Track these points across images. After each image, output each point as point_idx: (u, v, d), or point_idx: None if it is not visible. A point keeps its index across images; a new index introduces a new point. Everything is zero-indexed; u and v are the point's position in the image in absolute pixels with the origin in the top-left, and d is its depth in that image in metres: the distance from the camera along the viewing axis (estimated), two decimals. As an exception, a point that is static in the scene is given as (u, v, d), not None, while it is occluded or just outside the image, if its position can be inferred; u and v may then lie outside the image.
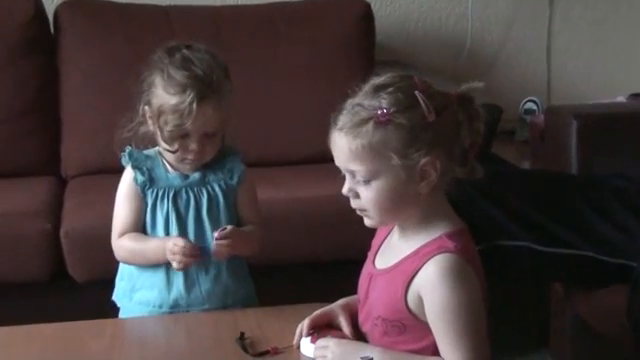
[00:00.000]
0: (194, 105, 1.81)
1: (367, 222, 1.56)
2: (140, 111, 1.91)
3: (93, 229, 2.55)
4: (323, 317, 1.67)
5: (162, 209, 1.91)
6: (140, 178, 1.92)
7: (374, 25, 3.30)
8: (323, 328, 1.66)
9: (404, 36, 3.59)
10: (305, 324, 1.66)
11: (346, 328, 1.65)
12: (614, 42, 3.75)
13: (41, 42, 3.11)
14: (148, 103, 1.89)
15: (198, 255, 1.84)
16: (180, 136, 1.86)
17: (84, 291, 2.62)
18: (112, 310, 2.01)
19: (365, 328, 1.62)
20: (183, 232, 1.91)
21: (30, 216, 2.68)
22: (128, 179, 1.94)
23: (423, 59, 3.54)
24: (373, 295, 1.58)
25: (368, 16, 3.28)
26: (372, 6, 3.32)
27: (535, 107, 3.53)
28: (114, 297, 2.02)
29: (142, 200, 1.92)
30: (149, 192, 1.92)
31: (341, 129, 1.48)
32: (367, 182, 1.49)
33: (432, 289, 1.48)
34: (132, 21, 3.15)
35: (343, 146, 1.48)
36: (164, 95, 1.84)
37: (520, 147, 3.39)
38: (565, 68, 3.74)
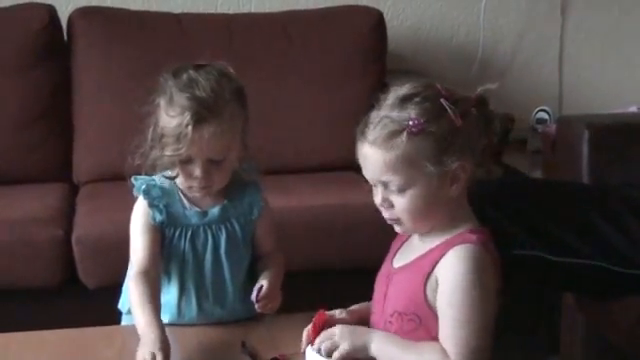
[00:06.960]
0: (189, 128, 1.70)
1: (399, 229, 1.58)
2: (150, 134, 1.80)
3: (105, 235, 2.56)
4: (331, 323, 1.67)
5: (178, 248, 1.82)
6: (158, 217, 1.81)
7: (386, 34, 3.30)
8: None
9: (416, 45, 3.59)
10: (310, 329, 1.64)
11: None
12: (626, 52, 3.74)
13: (54, 49, 3.12)
14: (156, 125, 1.79)
15: None
16: (181, 161, 1.76)
17: (95, 297, 2.62)
18: (123, 317, 2.01)
19: (377, 328, 1.61)
20: (200, 271, 1.83)
21: (42, 222, 2.69)
22: (143, 212, 1.83)
23: (435, 68, 3.53)
24: (391, 291, 1.59)
25: (380, 25, 3.28)
26: (384, 15, 3.32)
27: (547, 117, 3.53)
28: (120, 306, 1.95)
29: (159, 231, 1.82)
30: (167, 229, 1.82)
31: (373, 143, 1.50)
32: (401, 191, 1.51)
33: (447, 272, 1.50)
34: (145, 29, 3.16)
35: (377, 159, 1.50)
36: (165, 118, 1.75)
37: (532, 157, 3.38)
38: (577, 78, 3.74)
